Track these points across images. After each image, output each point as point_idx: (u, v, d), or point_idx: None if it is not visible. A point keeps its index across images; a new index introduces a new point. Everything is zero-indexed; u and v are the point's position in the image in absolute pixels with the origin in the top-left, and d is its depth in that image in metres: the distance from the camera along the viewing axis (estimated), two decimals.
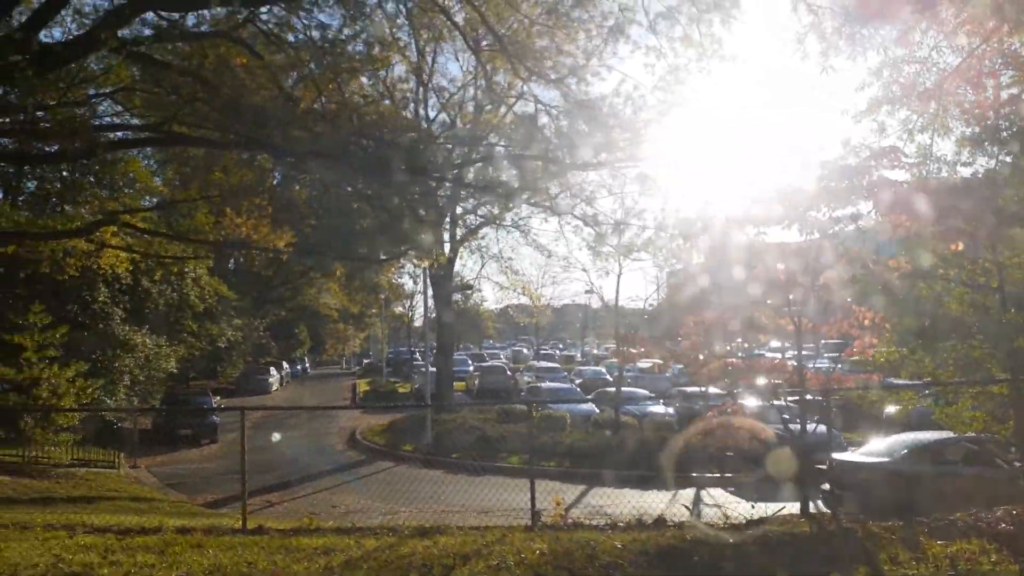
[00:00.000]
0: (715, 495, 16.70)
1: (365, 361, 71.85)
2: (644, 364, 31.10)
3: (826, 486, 13.68)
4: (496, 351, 67.69)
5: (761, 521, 8.56)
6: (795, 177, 12.49)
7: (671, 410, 24.83)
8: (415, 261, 25.81)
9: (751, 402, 13.51)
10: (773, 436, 12.38)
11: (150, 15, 14.14)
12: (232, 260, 41.00)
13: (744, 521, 8.58)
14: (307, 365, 63.42)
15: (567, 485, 16.78)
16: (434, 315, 30.36)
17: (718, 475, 17.94)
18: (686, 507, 11.00)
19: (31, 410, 15.63)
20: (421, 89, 26.91)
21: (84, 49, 12.93)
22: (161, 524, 8.85)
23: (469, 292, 42.77)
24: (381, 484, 18.48)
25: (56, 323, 16.43)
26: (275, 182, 35.28)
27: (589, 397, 27.44)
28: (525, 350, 67.93)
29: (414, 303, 52.78)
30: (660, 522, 8.68)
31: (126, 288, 22.22)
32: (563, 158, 16.10)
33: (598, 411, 24.55)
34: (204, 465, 21.62)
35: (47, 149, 16.89)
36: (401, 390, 39.52)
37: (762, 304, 12.51)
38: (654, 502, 14.03)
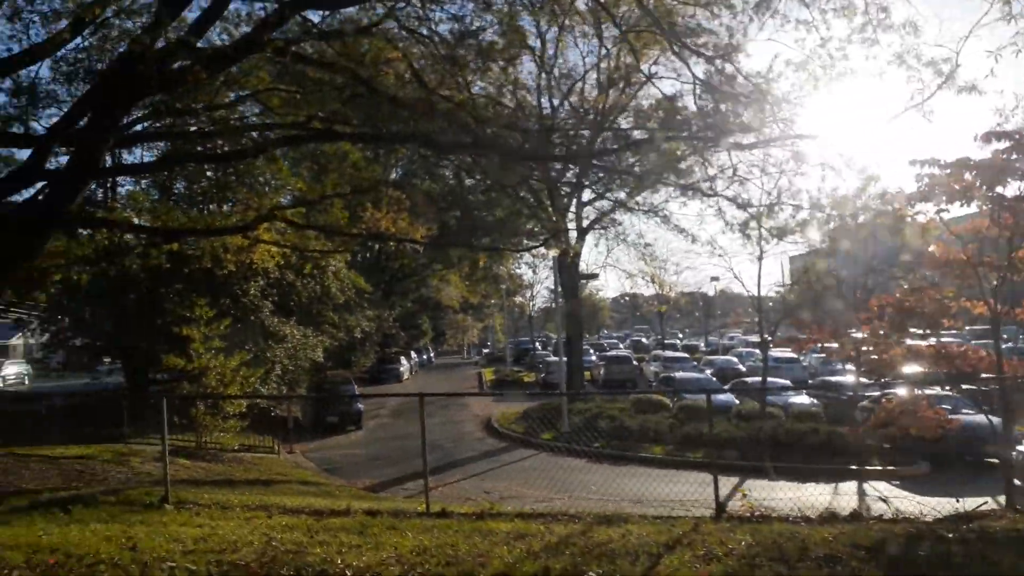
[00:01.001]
0: (879, 488, 15.85)
1: (484, 351, 72.86)
2: (778, 353, 30.01)
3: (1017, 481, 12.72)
4: (614, 341, 67.15)
5: (970, 516, 7.97)
6: (975, 151, 11.59)
7: (815, 400, 23.83)
8: (545, 250, 25.76)
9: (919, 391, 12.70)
10: (958, 427, 11.57)
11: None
12: (360, 255, 42.35)
13: (952, 514, 8.02)
14: (431, 355, 64.94)
15: (717, 476, 16.35)
16: (559, 303, 30.26)
17: (879, 468, 17.01)
18: (883, 500, 10.37)
19: (203, 398, 16.58)
20: (545, 75, 26.85)
21: (247, 51, 13.52)
22: (349, 506, 9.13)
23: (589, 281, 42.46)
24: (527, 471, 18.54)
25: (219, 316, 17.36)
26: (393, 177, 36.25)
27: (726, 387, 26.65)
28: (644, 339, 67.01)
29: (534, 293, 52.88)
30: (856, 515, 8.24)
31: (273, 282, 23.28)
32: (709, 138, 15.61)
33: (737, 402, 23.84)
34: (352, 451, 22.38)
35: (202, 149, 17.85)
36: (526, 379, 39.73)
37: (941, 287, 11.71)
38: (814, 495, 13.46)
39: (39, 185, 13.79)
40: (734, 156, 17.48)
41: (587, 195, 30.24)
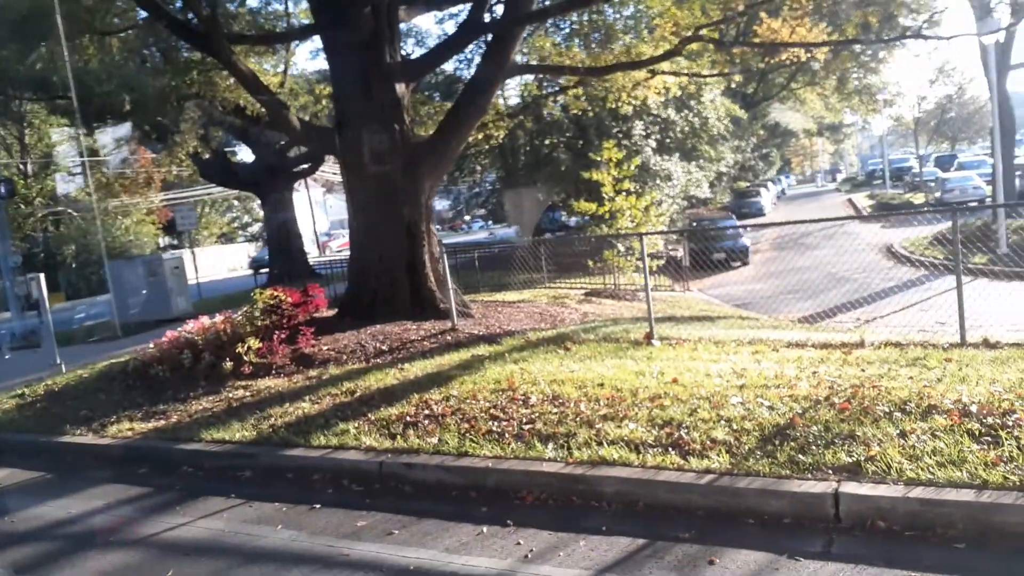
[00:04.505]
0: None
1: (838, 176, 66.89)
2: None
3: None
4: None
5: None
6: None
7: None
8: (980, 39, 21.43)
9: None
10: None
11: None
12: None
13: None
14: (786, 185, 61.23)
15: None
16: (992, 95, 25.34)
17: None
18: None
19: (617, 238, 16.82)
20: None
21: None
22: (863, 339, 8.34)
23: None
24: (973, 300, 16.26)
25: (627, 157, 17.16)
26: None
27: None
28: None
29: (920, 100, 45.74)
30: None
31: (655, 119, 22.62)
32: None
33: None
34: (751, 286, 21.68)
35: None
36: (915, 200, 35.33)
37: None
38: None
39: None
40: None
41: None
